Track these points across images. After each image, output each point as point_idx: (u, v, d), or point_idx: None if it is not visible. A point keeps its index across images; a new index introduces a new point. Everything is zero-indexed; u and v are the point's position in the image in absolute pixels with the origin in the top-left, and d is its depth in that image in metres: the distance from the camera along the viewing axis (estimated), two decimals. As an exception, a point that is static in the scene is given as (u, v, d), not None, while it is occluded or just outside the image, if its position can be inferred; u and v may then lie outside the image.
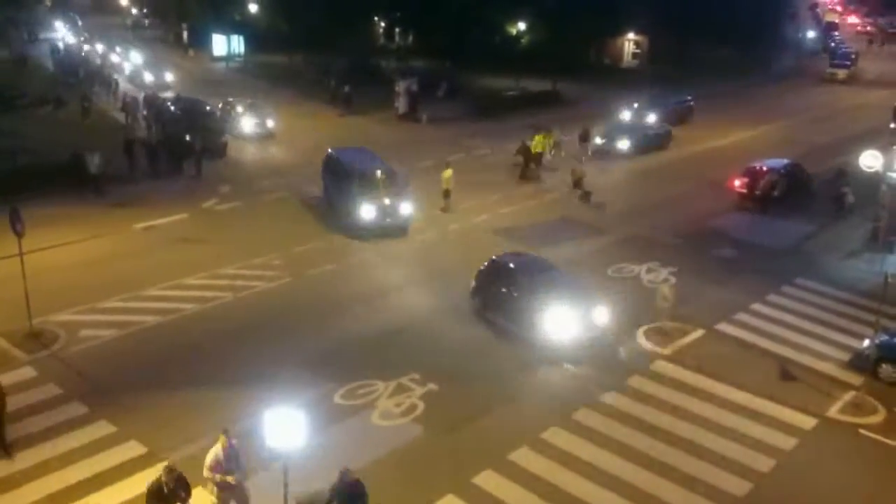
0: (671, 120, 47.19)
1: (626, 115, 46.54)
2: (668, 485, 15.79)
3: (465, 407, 18.28)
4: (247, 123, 43.37)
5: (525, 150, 37.03)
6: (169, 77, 58.33)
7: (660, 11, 65.01)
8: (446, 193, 31.55)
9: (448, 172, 31.44)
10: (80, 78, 57.52)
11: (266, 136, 43.14)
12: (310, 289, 24.39)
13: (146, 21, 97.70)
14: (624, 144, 41.50)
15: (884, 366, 19.83)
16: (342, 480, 13.51)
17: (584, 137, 41.18)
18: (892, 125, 28.31)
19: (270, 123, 43.94)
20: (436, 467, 16.13)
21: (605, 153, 40.99)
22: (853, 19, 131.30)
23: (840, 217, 31.68)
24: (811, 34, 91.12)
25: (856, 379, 19.69)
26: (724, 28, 69.17)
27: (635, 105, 47.41)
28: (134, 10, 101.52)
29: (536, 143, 37.72)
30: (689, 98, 52.20)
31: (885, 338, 20.07)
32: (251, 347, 20.64)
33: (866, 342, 20.05)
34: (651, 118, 45.25)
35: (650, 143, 42.92)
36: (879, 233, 28.79)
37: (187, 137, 36.14)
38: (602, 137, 42.05)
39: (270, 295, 23.87)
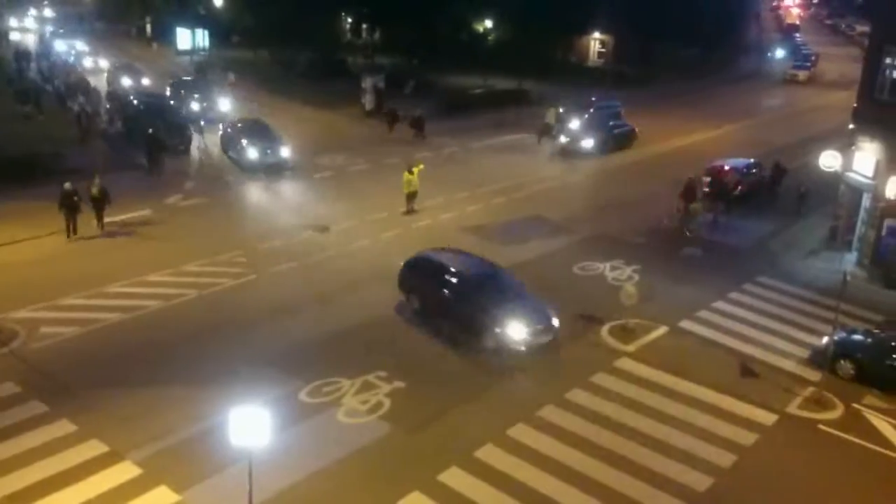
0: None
1: (551, 118, 44.87)
2: (631, 480, 15.96)
3: (432, 404, 18.30)
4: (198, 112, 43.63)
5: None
6: (146, 81, 54.10)
7: (626, 11, 65.61)
8: (409, 197, 31.00)
9: (406, 175, 30.79)
10: (60, 87, 50.59)
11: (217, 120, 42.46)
12: (275, 286, 24.24)
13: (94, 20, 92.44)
14: (588, 143, 41.49)
15: (841, 362, 20.33)
16: None
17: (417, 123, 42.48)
18: (850, 126, 28.78)
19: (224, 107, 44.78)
20: (401, 465, 16.13)
21: (571, 152, 41.17)
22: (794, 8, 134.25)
23: (801, 215, 32.25)
24: (780, 52, 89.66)
25: (815, 375, 20.05)
26: (688, 29, 70.03)
27: (561, 110, 45.26)
28: None
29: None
30: (618, 104, 47.22)
31: (842, 335, 20.53)
32: (215, 345, 20.47)
33: (825, 339, 20.47)
34: (575, 125, 42.81)
35: (615, 142, 42.96)
36: (838, 232, 29.35)
37: (149, 130, 35.71)
38: (566, 136, 42.09)
39: (235, 292, 23.68)
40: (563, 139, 41.93)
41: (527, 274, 25.82)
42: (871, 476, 16.73)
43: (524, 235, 29.45)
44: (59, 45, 66.68)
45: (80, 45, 68.17)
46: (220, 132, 39.25)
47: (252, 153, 35.78)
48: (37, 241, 26.45)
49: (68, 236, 26.89)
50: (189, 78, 49.93)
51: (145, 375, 18.72)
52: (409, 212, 30.86)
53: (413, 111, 43.10)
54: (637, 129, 44.70)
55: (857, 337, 20.93)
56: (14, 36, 72.25)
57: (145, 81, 52.11)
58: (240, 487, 12.97)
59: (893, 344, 20.02)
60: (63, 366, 19.03)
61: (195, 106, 44.62)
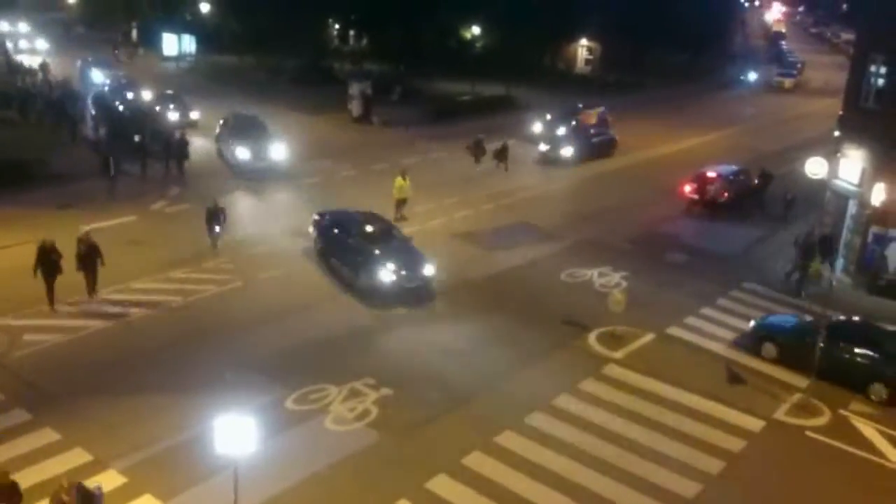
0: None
1: (538, 127, 44.73)
2: (619, 487, 15.92)
3: (420, 411, 18.22)
4: (171, 115, 43.36)
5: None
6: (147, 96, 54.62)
7: (613, 18, 65.94)
8: (399, 203, 30.85)
9: (399, 181, 30.73)
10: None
11: (189, 126, 42.37)
12: (261, 293, 24.10)
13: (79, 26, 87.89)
14: (567, 152, 41.08)
15: (765, 345, 21.34)
16: None
17: (501, 154, 39.15)
18: (836, 133, 28.95)
19: (194, 115, 44.63)
20: (389, 472, 16.04)
21: (551, 161, 40.98)
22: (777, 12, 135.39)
23: (787, 222, 32.37)
24: (753, 75, 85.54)
25: (802, 382, 20.10)
26: (675, 35, 70.46)
27: (548, 117, 45.38)
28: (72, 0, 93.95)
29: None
30: (603, 108, 48.42)
31: (766, 320, 21.67)
32: (201, 352, 20.31)
33: (751, 323, 21.30)
34: (562, 132, 42.97)
35: (594, 150, 42.45)
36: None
37: (136, 138, 35.54)
38: (546, 144, 41.80)
39: (221, 299, 23.52)
40: (542, 147, 41.75)
41: (515, 280, 25.87)
42: (857, 482, 16.77)
43: (513, 242, 29.43)
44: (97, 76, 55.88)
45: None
46: (217, 129, 39.46)
47: (243, 154, 35.99)
48: (20, 248, 26.15)
49: (51, 306, 21.74)
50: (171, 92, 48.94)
51: (130, 383, 18.54)
52: (399, 219, 30.76)
53: (496, 142, 39.77)
54: (617, 138, 44.54)
55: (778, 321, 22.09)
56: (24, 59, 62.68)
57: (146, 96, 51.06)
58: (225, 496, 12.86)
59: (809, 326, 20.71)
60: (47, 374, 18.83)
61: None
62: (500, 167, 39.17)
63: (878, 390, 19.43)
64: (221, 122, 39.81)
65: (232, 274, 25.10)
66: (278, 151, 36.77)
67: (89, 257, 22.20)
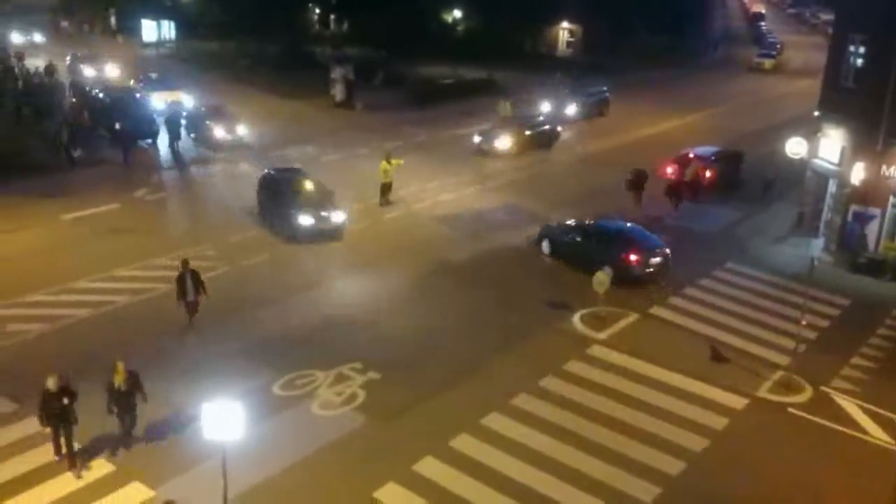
0: (586, 113, 47.05)
1: (505, 111, 43.09)
2: (605, 466, 16.08)
3: (406, 395, 18.30)
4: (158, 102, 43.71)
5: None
6: (114, 72, 53.97)
7: (593, 1, 65.82)
8: (384, 188, 30.75)
9: (384, 164, 30.59)
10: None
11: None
12: (245, 279, 24.07)
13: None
14: (502, 143, 39.04)
15: (543, 242, 26.79)
16: None
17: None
18: (816, 113, 29.15)
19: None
20: (376, 456, 16.12)
21: (484, 153, 39.15)
22: None
23: (768, 202, 32.59)
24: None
25: (784, 360, 20.34)
26: (655, 17, 70.47)
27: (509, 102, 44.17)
28: None
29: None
30: (605, 89, 51.22)
31: (547, 224, 27.51)
32: (186, 339, 20.30)
33: (538, 230, 27.40)
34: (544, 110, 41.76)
35: (534, 141, 40.33)
36: (805, 218, 29.73)
37: (117, 125, 35.27)
38: (479, 135, 39.93)
39: (206, 285, 23.43)
40: (476, 138, 39.79)
41: (498, 262, 25.96)
42: (839, 458, 16.99)
43: (497, 224, 29.51)
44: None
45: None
46: (185, 116, 39.95)
47: (218, 133, 37.91)
48: (5, 236, 26.01)
49: (67, 461, 15.31)
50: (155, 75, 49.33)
51: (116, 371, 18.48)
52: (385, 203, 30.71)
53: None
54: (559, 129, 42.53)
55: (553, 225, 27.43)
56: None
57: (111, 71, 51.80)
58: (214, 482, 12.89)
59: (569, 227, 26.72)
60: (31, 363, 18.67)
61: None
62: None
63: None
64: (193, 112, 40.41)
65: (215, 260, 24.99)
66: (242, 129, 38.85)
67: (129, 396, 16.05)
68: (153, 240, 26.40)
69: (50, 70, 51.12)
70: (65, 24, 76.93)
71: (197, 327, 20.83)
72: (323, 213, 27.27)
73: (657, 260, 24.90)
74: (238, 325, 21.20)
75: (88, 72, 52.42)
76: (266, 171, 30.24)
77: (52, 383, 14.99)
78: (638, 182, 31.75)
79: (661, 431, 17.31)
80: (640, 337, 21.53)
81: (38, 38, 57.57)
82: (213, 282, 23.62)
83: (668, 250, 25.26)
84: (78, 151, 34.57)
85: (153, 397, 17.40)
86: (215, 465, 12.80)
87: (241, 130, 38.71)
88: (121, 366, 15.65)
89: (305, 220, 26.86)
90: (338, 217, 27.59)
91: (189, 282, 20.45)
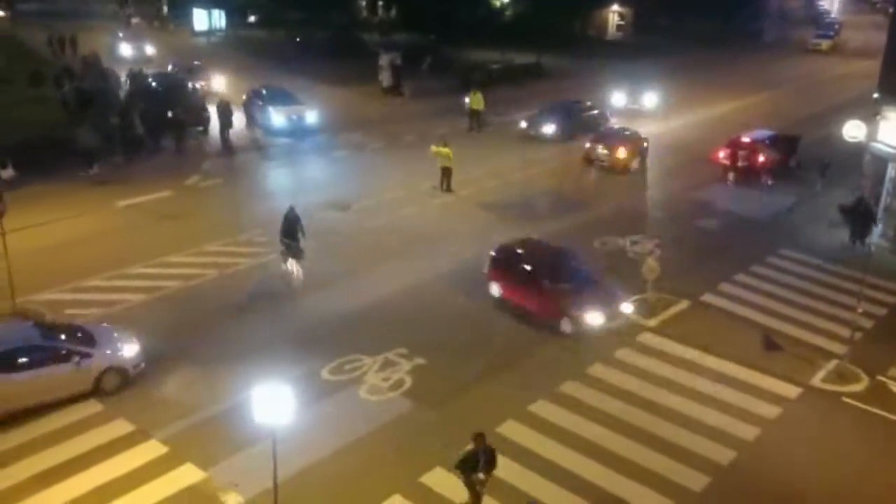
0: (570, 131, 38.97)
1: (476, 104, 40.48)
2: (653, 454, 15.95)
3: (453, 380, 18.35)
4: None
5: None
6: (150, 50, 56.81)
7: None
8: (444, 172, 30.62)
9: (434, 148, 30.63)
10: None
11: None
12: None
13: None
14: (549, 129, 38.71)
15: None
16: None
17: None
18: (875, 95, 28.33)
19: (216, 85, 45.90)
20: (423, 441, 16.20)
21: (532, 138, 38.74)
22: None
23: (824, 187, 31.81)
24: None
25: (839, 348, 19.89)
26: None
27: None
28: None
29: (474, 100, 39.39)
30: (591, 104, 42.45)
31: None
32: (237, 324, 20.58)
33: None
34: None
35: (582, 127, 38.75)
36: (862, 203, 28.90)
37: (169, 113, 35.76)
38: (526, 122, 39.58)
39: (256, 271, 23.76)
40: (522, 124, 39.36)
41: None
42: (893, 447, 16.61)
43: (544, 211, 29.34)
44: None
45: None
46: (244, 99, 40.50)
47: (278, 118, 37.89)
48: (61, 223, 26.55)
49: None
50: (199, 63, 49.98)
51: (169, 355, 18.85)
52: (446, 189, 30.60)
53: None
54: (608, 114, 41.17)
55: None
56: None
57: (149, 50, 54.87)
58: (264, 464, 13.09)
59: None
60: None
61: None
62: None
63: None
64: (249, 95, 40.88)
65: (266, 246, 25.26)
66: (311, 115, 38.88)
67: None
68: (205, 226, 26.77)
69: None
70: (136, 20, 77.57)
71: (250, 310, 21.14)
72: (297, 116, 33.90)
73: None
74: (287, 310, 21.45)
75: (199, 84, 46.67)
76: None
77: None
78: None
79: (712, 420, 17.10)
80: (691, 324, 21.24)
81: (149, 49, 55.99)
82: (264, 267, 23.98)
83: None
84: (164, 140, 35.28)
85: (206, 380, 17.77)
86: (266, 447, 13.00)
87: (310, 117, 38.68)
88: None
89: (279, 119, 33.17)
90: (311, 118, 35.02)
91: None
